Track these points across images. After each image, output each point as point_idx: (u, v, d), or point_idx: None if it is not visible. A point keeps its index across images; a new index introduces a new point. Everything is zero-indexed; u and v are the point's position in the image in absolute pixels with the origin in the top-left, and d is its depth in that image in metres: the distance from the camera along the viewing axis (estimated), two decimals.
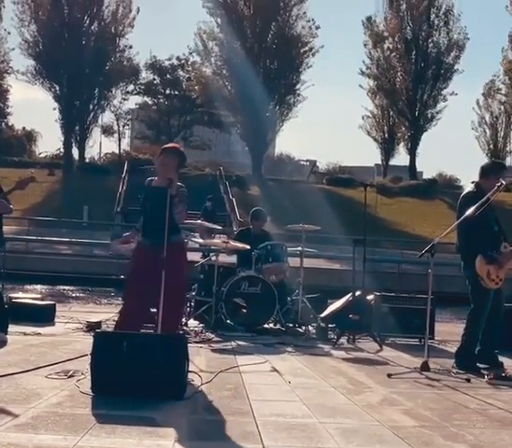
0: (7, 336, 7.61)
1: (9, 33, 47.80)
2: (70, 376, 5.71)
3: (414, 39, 49.88)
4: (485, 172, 7.40)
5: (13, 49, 48.46)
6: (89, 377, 5.25)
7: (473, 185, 7.51)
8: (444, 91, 50.84)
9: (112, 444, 3.98)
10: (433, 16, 50.14)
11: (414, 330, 8.68)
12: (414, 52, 49.97)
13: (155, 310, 6.50)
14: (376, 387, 6.06)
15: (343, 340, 8.73)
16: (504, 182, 7.16)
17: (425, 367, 6.72)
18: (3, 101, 56.57)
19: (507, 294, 7.58)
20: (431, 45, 50.24)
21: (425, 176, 54.85)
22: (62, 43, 46.12)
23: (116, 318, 9.16)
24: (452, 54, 50.26)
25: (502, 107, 55.55)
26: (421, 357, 6.88)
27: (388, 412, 5.14)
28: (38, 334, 8.15)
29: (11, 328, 7.83)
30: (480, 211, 6.81)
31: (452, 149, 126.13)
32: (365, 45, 52.17)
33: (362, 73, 52.68)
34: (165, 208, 6.19)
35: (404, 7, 50.29)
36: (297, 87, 49.07)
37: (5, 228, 8.01)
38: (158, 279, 6.12)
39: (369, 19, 51.67)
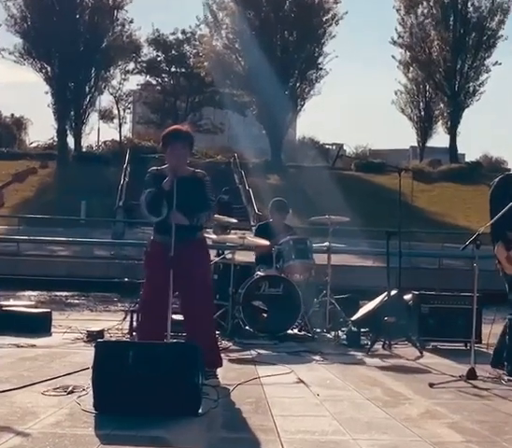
0: None
1: None
2: (70, 392, 5.73)
3: (452, 3, 49.61)
4: None
5: (0, 25, 48.69)
6: (91, 393, 5.27)
7: None
8: (487, 61, 50.67)
9: None
10: None
11: (458, 333, 8.65)
12: (452, 18, 49.78)
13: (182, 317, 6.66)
14: (417, 399, 6.05)
15: (377, 346, 8.71)
16: None
17: (472, 374, 6.68)
18: None
19: None
20: (471, 9, 50.07)
21: (468, 159, 54.67)
22: (52, 18, 46.25)
23: (119, 326, 9.29)
24: (496, 19, 50.03)
25: None
26: (467, 363, 6.85)
27: (430, 426, 5.13)
28: (33, 346, 8.18)
29: (2, 339, 7.88)
30: None
31: (498, 128, 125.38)
32: (397, 10, 51.96)
33: (394, 42, 52.52)
34: (187, 203, 6.28)
35: None
36: (319, 60, 49.07)
37: None
38: (180, 281, 6.21)
39: None
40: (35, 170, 7.96)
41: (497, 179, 7.48)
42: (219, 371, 6.55)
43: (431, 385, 6.47)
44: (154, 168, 6.72)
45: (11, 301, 10.89)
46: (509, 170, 46.28)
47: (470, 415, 5.46)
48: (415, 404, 5.85)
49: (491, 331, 7.95)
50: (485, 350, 8.36)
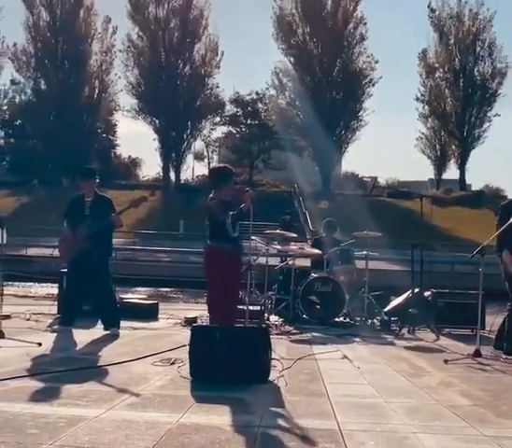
0: (120, 330, 7.77)
1: (120, 77, 49.15)
2: (172, 363, 5.79)
3: (462, 69, 49.04)
4: None
5: (121, 90, 49.83)
6: (188, 364, 5.32)
7: None
8: (489, 113, 49.89)
9: (209, 420, 4.02)
10: (478, 48, 49.20)
11: (467, 322, 8.50)
12: (462, 80, 49.15)
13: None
14: (434, 372, 5.98)
15: (404, 331, 8.62)
16: None
17: (477, 353, 6.58)
18: (112, 134, 58.23)
19: None
20: (476, 73, 49.37)
21: (474, 188, 53.70)
22: (160, 84, 47.00)
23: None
24: (496, 81, 49.29)
25: None
26: (474, 345, 6.74)
27: (445, 392, 5.06)
28: (144, 328, 8.29)
29: (122, 323, 7.97)
30: None
31: (498, 164, 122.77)
32: (420, 75, 51.56)
33: (417, 99, 52.05)
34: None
35: (452, 41, 49.55)
36: (360, 114, 48.87)
37: (114, 240, 8.19)
38: (238, 277, 6.26)
39: (424, 51, 50.97)
40: (145, 198, 8.11)
41: (504, 203, 7.39)
42: (282, 348, 6.53)
43: (445, 362, 6.38)
44: (213, 196, 7.03)
45: (129, 295, 11.02)
46: (506, 197, 45.51)
47: (476, 385, 5.37)
48: (433, 376, 5.78)
49: (493, 321, 7.80)
50: (488, 335, 8.21)
